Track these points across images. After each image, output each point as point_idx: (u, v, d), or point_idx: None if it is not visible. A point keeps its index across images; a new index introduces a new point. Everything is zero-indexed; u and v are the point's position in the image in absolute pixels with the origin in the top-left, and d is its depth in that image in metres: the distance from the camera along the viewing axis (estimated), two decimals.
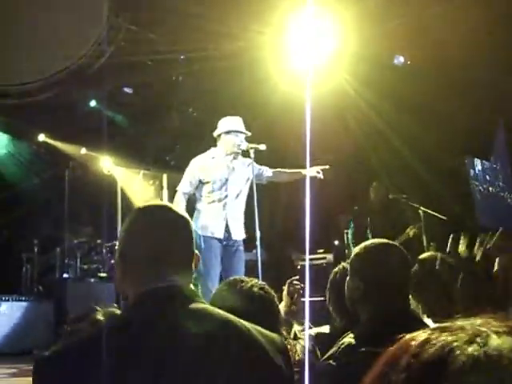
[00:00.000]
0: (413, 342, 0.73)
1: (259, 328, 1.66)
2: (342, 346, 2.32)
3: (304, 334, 3.13)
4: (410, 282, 2.53)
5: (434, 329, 0.74)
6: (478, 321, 0.74)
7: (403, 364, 0.71)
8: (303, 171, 5.69)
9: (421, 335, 0.73)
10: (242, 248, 5.84)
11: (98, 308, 2.36)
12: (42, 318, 7.59)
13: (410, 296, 2.91)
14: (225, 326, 1.60)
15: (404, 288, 2.47)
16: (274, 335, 1.69)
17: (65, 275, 8.68)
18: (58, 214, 10.01)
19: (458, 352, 0.68)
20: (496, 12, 7.62)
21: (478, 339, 0.69)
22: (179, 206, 5.65)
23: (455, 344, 0.69)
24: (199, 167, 5.80)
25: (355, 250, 2.66)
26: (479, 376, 0.66)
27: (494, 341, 0.68)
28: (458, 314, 2.53)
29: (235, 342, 1.56)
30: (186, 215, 1.81)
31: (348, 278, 2.54)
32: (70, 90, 10.00)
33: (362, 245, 2.59)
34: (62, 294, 8.02)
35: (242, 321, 1.64)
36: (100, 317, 2.32)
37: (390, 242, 2.66)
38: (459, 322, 0.74)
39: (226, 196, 5.73)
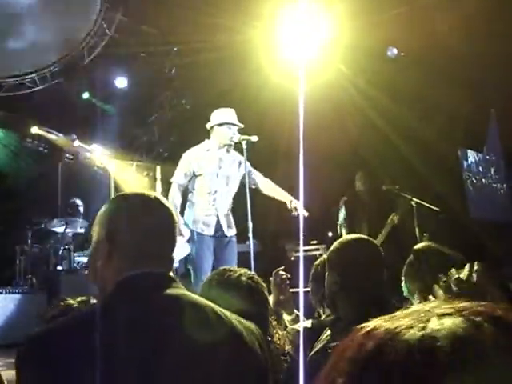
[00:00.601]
0: (360, 332, 0.72)
1: (237, 316, 1.68)
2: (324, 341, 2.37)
3: (293, 324, 3.16)
4: (384, 275, 2.59)
5: (386, 317, 0.73)
6: (430, 305, 0.73)
7: (348, 356, 0.70)
8: (291, 200, 5.65)
9: (370, 325, 0.73)
10: (234, 240, 5.86)
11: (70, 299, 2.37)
12: (35, 310, 7.58)
13: (406, 285, 2.96)
14: (203, 312, 1.63)
15: (379, 282, 2.53)
16: (251, 324, 1.71)
17: (58, 267, 8.67)
18: (51, 206, 10.01)
19: (395, 339, 0.68)
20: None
21: (419, 324, 0.68)
22: (175, 198, 5.67)
23: (395, 331, 0.68)
24: (193, 159, 5.80)
25: (333, 245, 2.73)
26: (413, 363, 0.64)
27: (433, 324, 0.67)
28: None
29: (213, 328, 1.59)
30: (171, 205, 1.85)
31: (326, 272, 2.60)
32: (63, 82, 9.98)
33: (339, 240, 2.69)
34: (56, 286, 8.01)
35: (221, 308, 1.67)
36: (72, 301, 2.34)
37: (365, 236, 2.75)
38: (411, 309, 0.74)
39: (216, 191, 5.74)
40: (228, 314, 1.68)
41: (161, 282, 1.65)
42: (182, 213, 5.79)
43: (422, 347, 0.65)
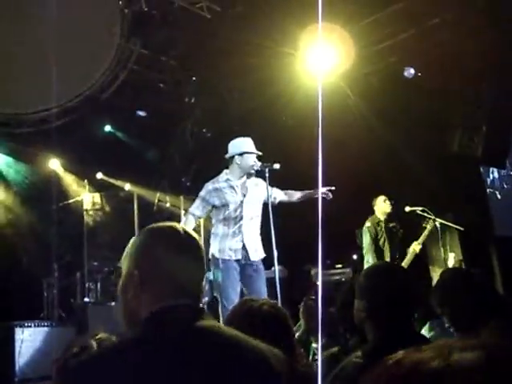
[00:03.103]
0: (390, 361, 0.83)
1: (264, 344, 1.70)
2: (347, 365, 2.37)
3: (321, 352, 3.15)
4: (413, 301, 2.59)
5: (411, 349, 0.84)
6: (450, 340, 0.84)
7: (383, 381, 0.81)
8: (313, 192, 5.77)
9: (398, 355, 0.84)
10: (261, 267, 5.82)
11: (99, 334, 2.38)
12: (64, 343, 7.62)
13: (438, 308, 2.95)
14: (230, 343, 1.65)
15: (407, 308, 2.52)
16: (276, 350, 1.72)
17: (85, 299, 8.74)
18: (77, 239, 10.11)
19: (422, 367, 0.78)
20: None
21: (442, 356, 0.78)
22: (187, 226, 5.70)
23: (422, 361, 0.79)
24: (212, 192, 5.80)
25: (363, 271, 2.75)
26: None
27: (456, 355, 0.78)
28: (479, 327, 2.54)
29: (242, 358, 1.61)
30: (197, 237, 1.85)
31: (355, 299, 2.61)
32: (85, 115, 10.12)
33: (369, 266, 2.69)
34: (84, 318, 8.07)
35: (248, 338, 1.68)
36: (101, 336, 2.35)
37: (393, 264, 2.76)
38: (433, 343, 0.85)
39: (242, 218, 5.74)
40: (256, 343, 1.70)
41: (191, 314, 1.67)
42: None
43: (446, 372, 0.76)
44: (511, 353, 0.78)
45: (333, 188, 5.67)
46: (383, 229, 7.96)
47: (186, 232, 1.81)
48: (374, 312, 2.49)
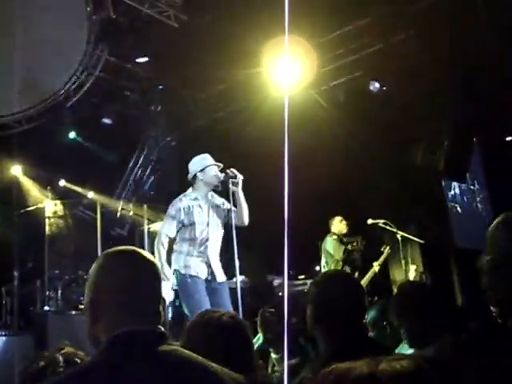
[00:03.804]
0: (325, 370, 0.95)
1: (228, 371, 1.70)
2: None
3: (280, 362, 3.16)
4: (360, 309, 2.62)
5: (347, 362, 0.94)
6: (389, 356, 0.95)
7: None
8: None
9: (333, 366, 0.95)
10: (226, 285, 5.79)
11: (65, 348, 2.35)
12: (22, 352, 7.49)
13: (396, 321, 2.99)
14: (193, 368, 1.64)
15: (353, 316, 2.55)
16: (236, 375, 1.72)
17: (45, 308, 8.61)
18: (38, 246, 9.96)
19: (351, 373, 0.90)
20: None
21: (371, 364, 0.90)
22: (161, 249, 5.66)
23: (351, 368, 0.91)
24: (182, 210, 5.76)
25: (315, 278, 2.78)
26: None
27: (383, 364, 0.89)
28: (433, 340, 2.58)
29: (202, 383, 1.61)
30: (155, 260, 1.85)
31: (307, 304, 2.64)
32: (49, 122, 10.01)
33: (321, 273, 2.73)
34: (43, 327, 7.92)
35: (210, 363, 1.68)
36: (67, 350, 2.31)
37: (346, 273, 2.80)
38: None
39: (207, 239, 5.72)
40: (219, 369, 1.69)
41: (148, 339, 1.65)
42: (168, 261, 5.75)
43: (371, 378, 0.87)
44: (435, 365, 0.89)
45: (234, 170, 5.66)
46: (342, 248, 8.09)
47: (142, 256, 1.80)
48: (320, 318, 2.52)
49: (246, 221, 5.80)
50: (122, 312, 1.68)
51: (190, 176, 5.84)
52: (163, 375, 1.58)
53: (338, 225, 8.18)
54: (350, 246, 8.09)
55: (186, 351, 1.71)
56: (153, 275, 1.78)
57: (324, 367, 0.96)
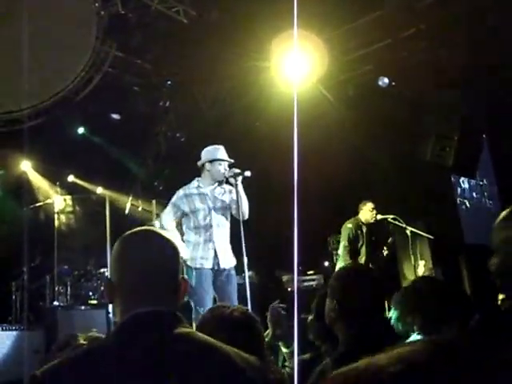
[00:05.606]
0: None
1: (238, 351, 1.69)
2: (317, 372, 2.39)
3: (291, 356, 3.16)
4: (382, 303, 2.65)
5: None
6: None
7: None
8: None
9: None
10: (233, 273, 5.83)
11: (79, 334, 2.36)
12: (32, 347, 7.53)
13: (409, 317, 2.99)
14: (205, 350, 1.63)
15: (375, 309, 2.57)
16: (251, 358, 1.71)
17: (55, 303, 8.64)
18: (47, 242, 9.99)
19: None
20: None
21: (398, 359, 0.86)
22: (167, 223, 5.80)
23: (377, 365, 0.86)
24: (183, 198, 5.83)
25: (334, 273, 2.80)
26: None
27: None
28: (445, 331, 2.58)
29: (216, 366, 1.60)
30: (174, 241, 1.79)
31: (327, 298, 2.65)
32: (58, 117, 10.02)
33: (340, 268, 2.76)
34: (53, 322, 7.96)
35: (222, 345, 1.67)
36: (83, 341, 2.33)
37: (363, 266, 2.83)
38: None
39: (211, 226, 5.76)
40: (233, 351, 1.68)
41: (165, 321, 1.64)
42: None
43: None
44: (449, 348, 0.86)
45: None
46: (364, 234, 8.00)
47: (155, 234, 1.78)
48: (344, 312, 2.53)
49: (246, 214, 5.80)
50: (134, 294, 1.68)
51: (199, 163, 5.88)
52: (174, 358, 1.56)
53: (368, 212, 8.05)
54: (371, 233, 8.01)
55: (201, 334, 1.70)
56: (166, 252, 1.74)
57: (345, 360, 0.92)
